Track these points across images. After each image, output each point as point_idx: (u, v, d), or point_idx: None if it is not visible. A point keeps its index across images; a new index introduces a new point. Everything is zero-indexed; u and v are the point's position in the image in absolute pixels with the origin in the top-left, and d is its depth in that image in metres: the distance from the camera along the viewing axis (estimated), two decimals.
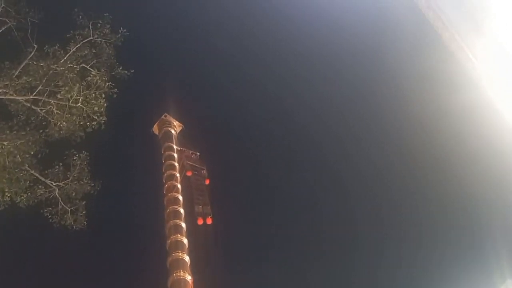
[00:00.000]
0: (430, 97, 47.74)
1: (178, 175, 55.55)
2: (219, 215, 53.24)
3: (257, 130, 63.37)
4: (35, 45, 19.29)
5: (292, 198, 56.88)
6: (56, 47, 19.67)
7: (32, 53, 19.24)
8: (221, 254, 47.22)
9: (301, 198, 56.57)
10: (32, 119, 19.37)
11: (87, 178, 20.27)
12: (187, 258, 45.46)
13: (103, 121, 19.74)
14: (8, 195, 18.63)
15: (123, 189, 50.06)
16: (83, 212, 20.12)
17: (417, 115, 50.83)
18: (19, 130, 18.98)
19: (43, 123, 19.52)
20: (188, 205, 52.89)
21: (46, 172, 19.85)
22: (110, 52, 20.27)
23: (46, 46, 19.58)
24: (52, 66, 19.22)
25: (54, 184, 19.74)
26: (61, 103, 19.13)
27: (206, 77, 67.34)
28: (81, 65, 19.69)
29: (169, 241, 47.05)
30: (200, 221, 52.45)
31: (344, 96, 59.40)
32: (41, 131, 19.54)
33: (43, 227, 20.87)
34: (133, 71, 20.86)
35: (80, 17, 19.88)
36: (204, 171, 59.65)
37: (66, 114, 19.22)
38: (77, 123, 19.51)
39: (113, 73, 20.24)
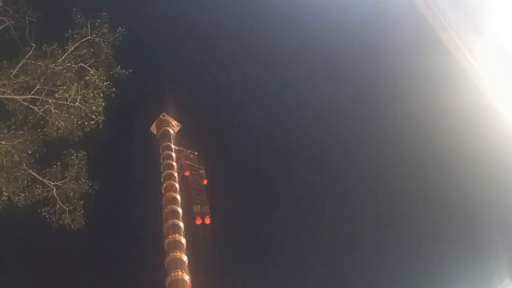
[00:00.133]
0: (430, 97, 47.76)
1: (176, 174, 55.58)
2: (217, 214, 53.27)
3: (257, 129, 63.38)
4: (33, 44, 19.25)
5: (292, 198, 56.90)
6: (54, 46, 19.62)
7: (30, 52, 19.19)
8: (219, 254, 47.12)
9: (301, 198, 56.53)
10: (30, 118, 19.33)
11: (85, 177, 20.23)
12: (185, 258, 45.49)
13: (101, 121, 19.71)
14: (6, 194, 18.58)
15: (121, 188, 50.09)
16: (81, 212, 20.07)
17: (417, 115, 50.85)
18: (17, 129, 18.93)
19: (41, 122, 19.48)
20: (186, 205, 52.94)
21: (44, 171, 19.79)
22: (108, 51, 20.24)
23: (44, 45, 19.53)
24: (50, 65, 19.19)
25: (52, 183, 19.66)
26: (59, 102, 19.10)
27: (205, 77, 67.45)
28: (79, 65, 19.66)
29: (167, 241, 47.08)
30: (198, 221, 52.53)
31: (344, 96, 59.50)
32: (39, 130, 19.50)
33: (41, 226, 20.85)
34: (131, 70, 20.83)
35: (78, 16, 19.86)
36: (202, 171, 59.75)
37: (64, 113, 19.18)
38: (75, 122, 19.47)
39: (111, 72, 20.19)
